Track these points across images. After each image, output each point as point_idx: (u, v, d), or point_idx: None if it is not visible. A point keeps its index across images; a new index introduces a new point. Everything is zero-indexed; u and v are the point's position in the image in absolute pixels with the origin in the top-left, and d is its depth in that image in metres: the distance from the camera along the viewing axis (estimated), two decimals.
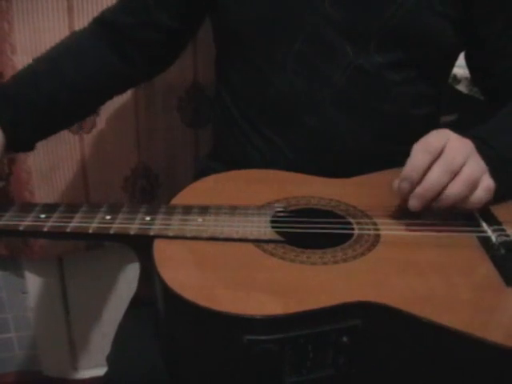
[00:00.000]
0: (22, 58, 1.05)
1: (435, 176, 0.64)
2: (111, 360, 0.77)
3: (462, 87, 1.08)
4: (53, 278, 1.30)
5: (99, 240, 1.14)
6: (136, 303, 0.78)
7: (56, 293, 1.32)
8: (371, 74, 0.79)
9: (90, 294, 1.33)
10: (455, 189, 0.64)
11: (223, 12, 0.83)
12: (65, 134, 1.11)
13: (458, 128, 0.70)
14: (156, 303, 0.63)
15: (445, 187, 0.65)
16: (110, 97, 0.92)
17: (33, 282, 1.29)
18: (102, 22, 0.88)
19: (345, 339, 0.57)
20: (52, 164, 1.14)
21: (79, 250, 1.24)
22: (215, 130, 0.97)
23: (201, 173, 0.86)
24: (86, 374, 1.42)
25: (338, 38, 0.78)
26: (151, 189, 1.21)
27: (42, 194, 1.16)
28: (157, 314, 0.64)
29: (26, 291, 1.31)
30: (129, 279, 1.32)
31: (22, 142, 0.80)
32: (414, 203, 0.66)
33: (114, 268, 1.32)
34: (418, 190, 0.65)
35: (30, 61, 0.85)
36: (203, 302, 0.55)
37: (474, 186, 0.65)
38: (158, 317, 0.64)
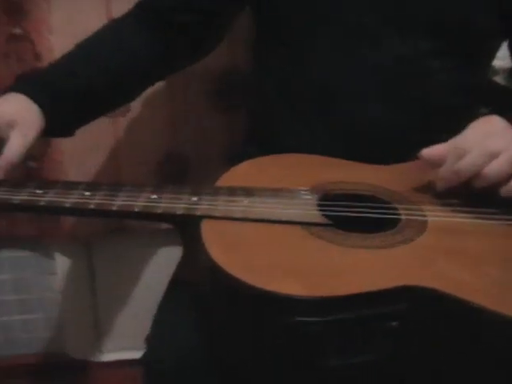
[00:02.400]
0: (58, 39, 1.06)
1: (471, 158, 0.65)
2: (150, 341, 0.77)
3: (499, 79, 1.07)
4: (81, 259, 1.30)
5: (144, 219, 1.12)
6: (175, 285, 0.78)
7: (84, 275, 1.32)
8: (413, 62, 0.78)
9: (117, 277, 1.33)
10: (495, 166, 0.64)
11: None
12: None
13: None
14: (201, 284, 0.63)
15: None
16: (151, 83, 0.92)
17: (61, 264, 1.30)
18: (143, 6, 0.89)
19: (391, 324, 0.57)
20: (85, 147, 1.14)
21: (108, 233, 1.24)
22: (252, 114, 0.97)
23: (235, 157, 0.86)
24: (110, 356, 1.42)
25: (383, 26, 0.77)
26: (183, 174, 1.21)
27: (74, 177, 1.16)
28: (200, 296, 0.64)
29: (54, 272, 1.32)
30: (157, 263, 1.32)
31: (61, 128, 0.81)
32: (441, 183, 0.69)
33: (142, 252, 1.32)
34: (451, 170, 0.67)
35: (67, 42, 0.85)
36: (252, 281, 0.55)
37: None
38: (201, 299, 0.64)
